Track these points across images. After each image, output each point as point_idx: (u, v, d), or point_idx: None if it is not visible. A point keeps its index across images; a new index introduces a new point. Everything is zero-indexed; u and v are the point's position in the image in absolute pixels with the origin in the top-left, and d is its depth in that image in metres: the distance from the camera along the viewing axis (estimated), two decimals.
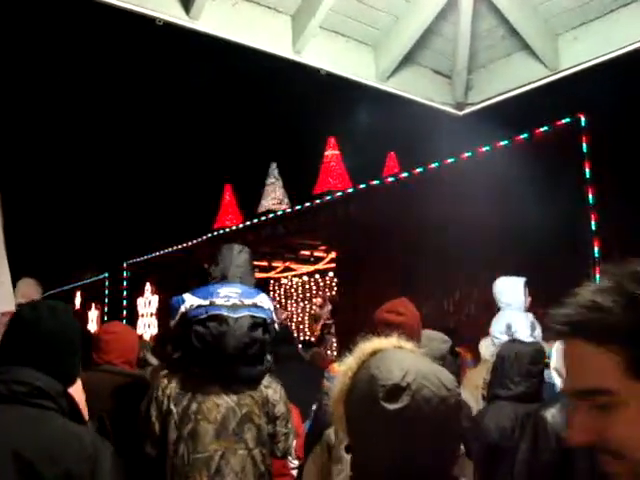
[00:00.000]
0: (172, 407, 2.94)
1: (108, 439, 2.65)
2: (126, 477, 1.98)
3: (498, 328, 5.75)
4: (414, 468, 1.33)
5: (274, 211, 14.99)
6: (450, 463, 1.42)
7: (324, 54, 5.03)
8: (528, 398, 3.69)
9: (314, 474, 2.68)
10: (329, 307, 13.67)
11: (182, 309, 3.01)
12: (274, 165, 16.12)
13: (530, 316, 5.88)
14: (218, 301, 3.01)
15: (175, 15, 4.32)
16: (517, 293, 5.92)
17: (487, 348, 6.14)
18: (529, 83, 5.46)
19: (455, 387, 1.40)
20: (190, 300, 3.02)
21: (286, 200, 15.95)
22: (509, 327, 5.69)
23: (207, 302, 3.00)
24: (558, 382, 3.42)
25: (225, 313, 2.97)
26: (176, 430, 2.92)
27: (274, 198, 15.83)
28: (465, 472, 2.70)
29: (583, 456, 3.10)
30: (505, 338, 5.33)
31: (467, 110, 5.81)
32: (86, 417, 2.64)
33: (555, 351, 3.53)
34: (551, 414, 3.17)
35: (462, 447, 2.65)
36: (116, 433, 3.00)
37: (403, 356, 1.44)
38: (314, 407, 4.80)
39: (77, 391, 2.69)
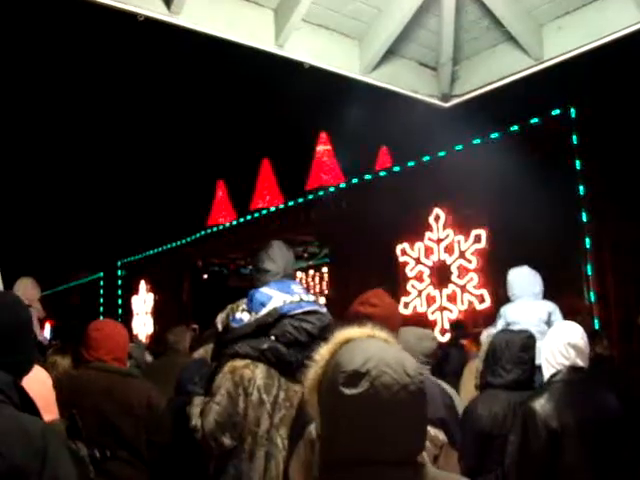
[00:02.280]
0: (264, 397, 3.07)
1: (80, 437, 2.64)
2: (84, 472, 1.93)
3: (539, 316, 5.65)
4: (378, 453, 1.35)
5: (266, 208, 14.97)
6: (415, 448, 1.43)
7: (307, 47, 5.02)
8: (520, 385, 3.70)
9: (298, 470, 2.69)
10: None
11: (272, 305, 3.15)
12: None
13: None
14: (304, 297, 3.24)
15: (156, 10, 4.31)
16: (540, 283, 5.92)
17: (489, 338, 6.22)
18: (514, 74, 5.45)
19: (418, 375, 1.42)
20: (280, 296, 3.18)
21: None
22: (550, 315, 5.67)
23: (297, 298, 3.20)
24: (546, 372, 3.43)
25: (317, 308, 3.21)
26: (268, 419, 3.07)
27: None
28: (450, 462, 2.70)
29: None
30: (545, 327, 5.33)
31: (453, 102, 5.81)
32: (57, 415, 2.64)
33: (544, 341, 3.54)
34: (540, 404, 3.18)
35: (444, 437, 2.65)
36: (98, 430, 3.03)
37: (370, 344, 1.46)
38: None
39: (48, 389, 2.69)
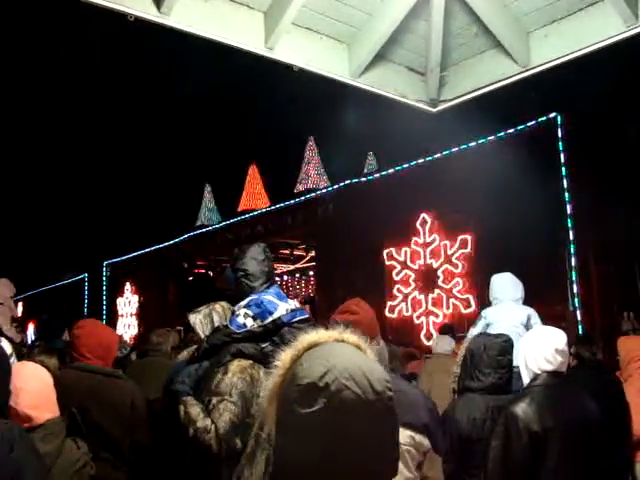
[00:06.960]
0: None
1: (80, 435, 2.65)
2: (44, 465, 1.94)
3: (519, 318, 5.74)
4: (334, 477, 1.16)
5: (253, 210, 14.97)
6: (380, 473, 1.22)
7: (297, 50, 5.02)
8: (498, 389, 3.74)
9: None
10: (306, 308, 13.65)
11: (278, 314, 3.14)
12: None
13: None
14: (295, 305, 3.25)
15: (146, 10, 4.29)
16: (522, 290, 5.99)
17: (438, 343, 7.00)
18: (501, 80, 5.49)
19: (386, 390, 1.21)
20: (283, 305, 3.18)
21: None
22: (529, 318, 5.75)
23: (292, 307, 3.21)
24: (525, 376, 3.45)
25: (308, 316, 3.24)
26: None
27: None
28: (433, 468, 2.71)
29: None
30: (523, 330, 5.40)
31: (441, 107, 5.84)
32: (57, 413, 2.64)
33: (522, 345, 3.56)
34: (522, 409, 3.20)
35: (428, 442, 2.66)
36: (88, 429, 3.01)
37: (336, 351, 1.25)
38: None
39: (49, 386, 2.69)
